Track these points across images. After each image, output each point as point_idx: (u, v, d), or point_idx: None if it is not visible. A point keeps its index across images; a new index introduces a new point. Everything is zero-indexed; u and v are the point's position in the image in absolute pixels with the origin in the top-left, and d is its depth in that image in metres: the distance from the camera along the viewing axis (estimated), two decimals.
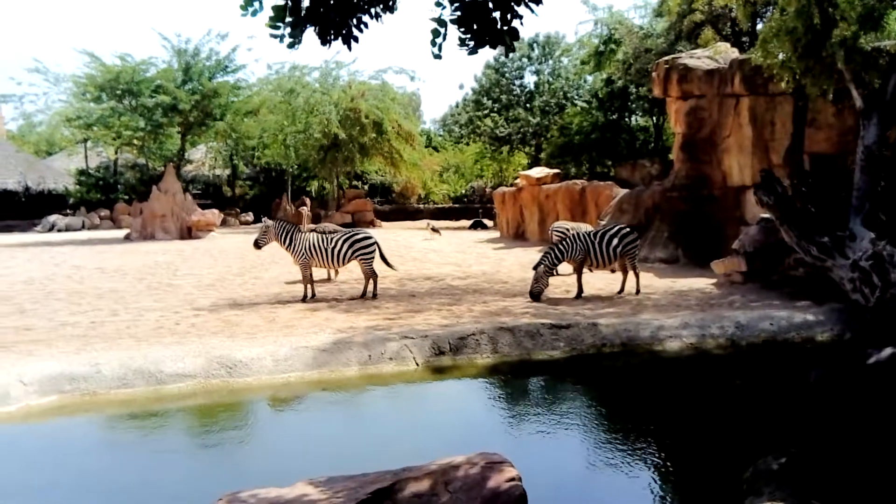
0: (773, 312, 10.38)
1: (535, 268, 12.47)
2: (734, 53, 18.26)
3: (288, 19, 4.80)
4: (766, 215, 13.04)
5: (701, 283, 13.79)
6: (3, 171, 44.52)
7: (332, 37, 4.89)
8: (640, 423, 6.97)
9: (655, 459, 5.89)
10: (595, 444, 6.28)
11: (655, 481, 5.49)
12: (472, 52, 4.73)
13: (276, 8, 4.70)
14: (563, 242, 12.79)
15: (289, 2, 4.70)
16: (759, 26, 20.65)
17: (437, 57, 4.76)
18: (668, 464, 5.82)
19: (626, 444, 6.22)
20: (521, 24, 4.83)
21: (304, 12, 4.78)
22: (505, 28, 4.70)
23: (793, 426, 6.65)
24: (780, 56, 12.26)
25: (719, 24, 22.39)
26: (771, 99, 16.23)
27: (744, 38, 22.29)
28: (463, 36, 4.69)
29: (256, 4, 4.59)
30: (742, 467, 4.89)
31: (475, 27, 4.67)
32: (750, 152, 16.61)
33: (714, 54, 17.95)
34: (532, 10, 4.82)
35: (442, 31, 4.67)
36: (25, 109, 37.31)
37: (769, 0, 16.92)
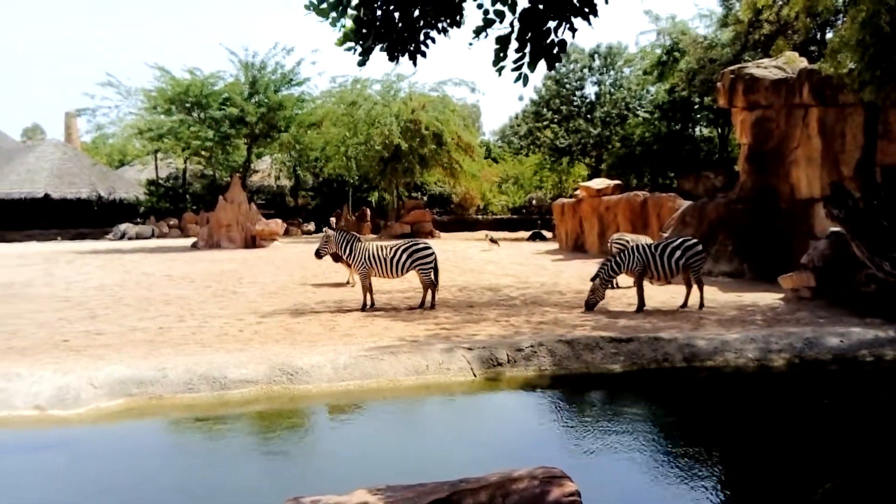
0: (842, 329, 10.02)
1: (592, 279, 12.37)
2: (802, 63, 17.79)
3: (359, 41, 4.89)
4: (836, 229, 12.65)
5: (767, 299, 13.42)
6: (78, 181, 46.35)
7: (400, 53, 4.97)
8: (703, 441, 6.81)
9: (718, 479, 5.75)
10: (655, 462, 6.17)
11: (718, 502, 5.36)
12: (531, 69, 4.73)
13: (346, 29, 4.79)
14: (622, 254, 12.63)
15: (363, 24, 4.76)
16: (829, 35, 20.08)
17: (500, 73, 4.78)
18: (733, 484, 5.68)
19: (687, 463, 6.09)
20: (573, 37, 4.82)
21: (374, 32, 4.86)
22: (555, 40, 4.69)
23: (864, 448, 6.41)
24: (850, 66, 11.91)
25: (787, 34, 21.84)
26: (841, 110, 15.74)
27: (812, 48, 21.71)
28: (517, 55, 4.69)
29: (342, 20, 4.70)
30: (811, 489, 4.74)
31: (529, 45, 4.67)
32: (819, 164, 16.13)
33: (782, 64, 17.52)
34: (588, 23, 4.81)
35: (504, 49, 4.70)
36: (99, 122, 38.51)
37: (838, 9, 16.45)
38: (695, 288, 12.66)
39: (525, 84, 4.82)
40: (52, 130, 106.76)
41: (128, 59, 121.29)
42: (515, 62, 4.70)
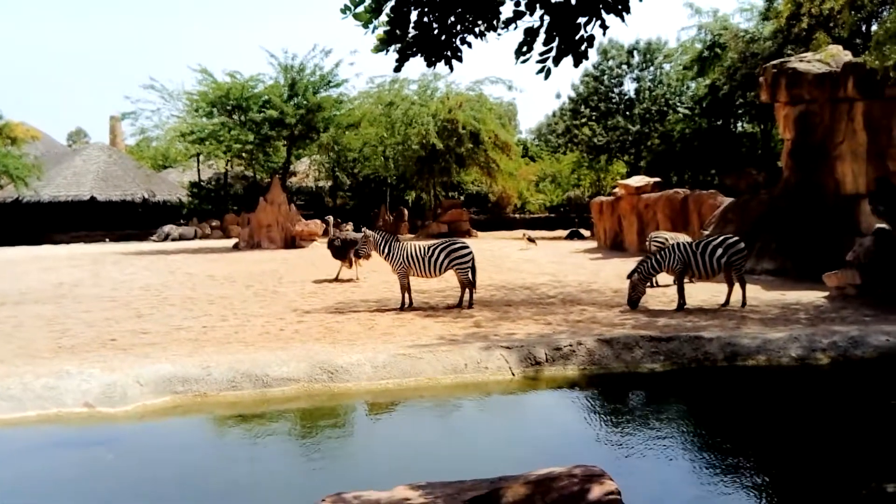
0: (888, 327, 9.79)
1: (629, 276, 12.27)
2: (847, 56, 17.42)
3: (395, 47, 4.92)
4: (882, 225, 12.39)
5: (811, 297, 13.18)
6: (123, 184, 47.37)
7: (437, 59, 4.99)
8: (746, 440, 6.73)
9: (761, 479, 5.68)
10: (697, 462, 6.12)
11: (762, 502, 5.30)
12: (555, 63, 4.71)
13: (385, 32, 4.83)
14: (661, 252, 12.50)
15: (397, 29, 4.78)
16: (874, 27, 19.61)
17: (522, 61, 4.76)
18: (777, 484, 5.60)
19: (728, 463, 6.03)
20: (605, 33, 4.79)
21: (409, 37, 4.89)
22: (584, 35, 4.66)
23: None
24: None
25: (830, 26, 21.40)
26: (887, 103, 15.40)
27: (857, 41, 21.23)
28: (544, 48, 4.67)
29: (375, 21, 4.74)
30: (856, 490, 4.66)
31: (556, 39, 4.65)
32: (864, 159, 15.78)
33: (825, 57, 17.18)
34: (622, 19, 4.78)
35: (531, 42, 4.68)
36: (142, 125, 39.31)
37: (883, 0, 16.07)
38: (737, 286, 12.48)
39: (547, 77, 4.81)
40: (97, 134, 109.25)
41: (170, 62, 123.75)
42: (541, 55, 4.69)
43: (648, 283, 12.90)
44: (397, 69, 4.98)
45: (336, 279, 17.66)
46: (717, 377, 8.71)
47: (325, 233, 38.98)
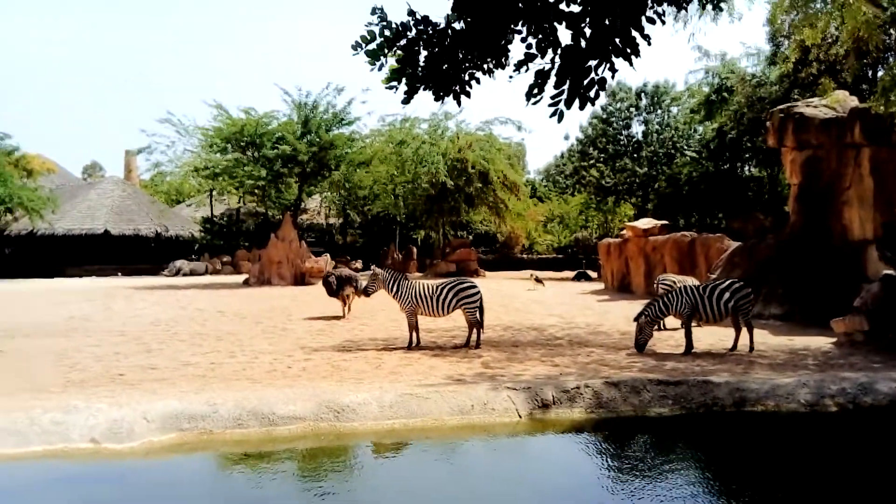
0: None
1: (636, 319, 12.27)
2: (853, 102, 17.59)
3: (404, 80, 5.04)
4: (890, 272, 12.38)
5: (819, 342, 13.13)
6: (137, 218, 47.82)
7: (445, 94, 5.11)
8: (754, 489, 6.68)
9: None
10: None
11: None
12: (567, 106, 4.81)
13: (392, 69, 4.96)
14: (669, 296, 12.51)
15: (407, 64, 4.90)
16: (880, 73, 19.82)
17: (533, 103, 4.86)
18: None
19: None
20: (613, 77, 4.90)
21: (420, 71, 5.02)
22: (595, 78, 4.77)
23: None
24: None
25: (837, 71, 21.64)
26: (894, 149, 15.49)
27: (863, 86, 21.43)
28: (556, 90, 4.78)
29: (383, 59, 4.87)
30: None
31: (568, 82, 4.75)
32: (871, 205, 15.84)
33: (832, 103, 17.34)
34: (630, 63, 4.89)
35: (542, 84, 4.79)
36: (157, 159, 39.83)
37: (888, 46, 16.28)
38: (744, 331, 12.46)
39: (560, 120, 4.90)
40: (112, 167, 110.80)
41: (185, 96, 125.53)
42: (553, 97, 4.78)
43: (656, 327, 12.89)
44: (405, 101, 5.08)
45: (343, 316, 17.82)
46: (725, 422, 8.66)
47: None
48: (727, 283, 12.69)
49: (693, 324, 12.57)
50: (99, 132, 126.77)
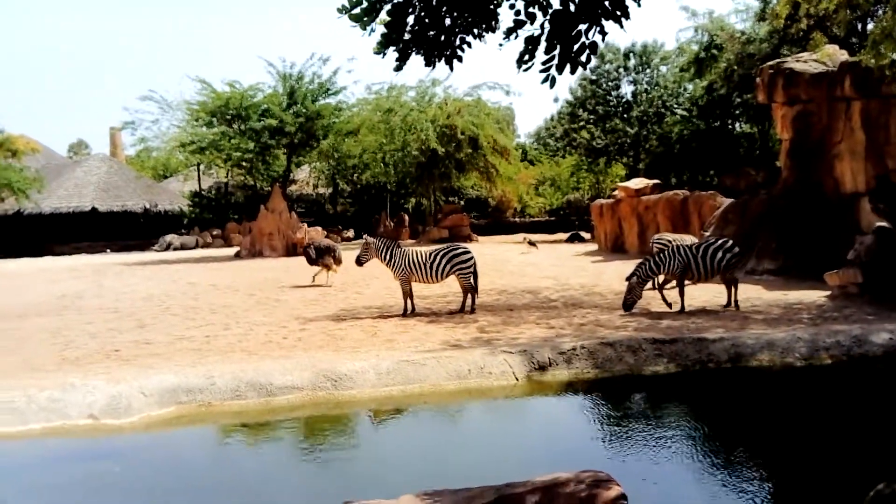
0: (891, 326, 9.79)
1: (628, 278, 12.27)
2: (843, 56, 17.46)
3: (393, 46, 4.92)
4: (883, 223, 12.40)
5: (813, 296, 13.19)
6: (124, 195, 47.44)
7: (437, 59, 5.01)
8: (749, 442, 6.74)
9: (765, 482, 5.68)
10: (702, 464, 6.12)
11: None
12: (559, 71, 4.73)
13: (384, 35, 4.84)
14: (661, 254, 12.52)
15: (395, 30, 4.79)
16: (870, 26, 19.67)
17: (524, 70, 4.78)
18: (780, 488, 5.61)
19: (733, 465, 6.04)
20: (603, 40, 4.81)
21: (408, 36, 4.91)
22: (586, 42, 4.68)
23: None
24: (893, 57, 11.66)
25: (826, 26, 21.45)
26: (885, 101, 15.43)
27: (853, 40, 21.28)
28: (546, 56, 4.70)
29: (372, 25, 4.76)
30: (862, 492, 4.66)
31: (559, 47, 4.66)
32: (863, 157, 15.81)
33: (822, 57, 17.20)
34: (620, 25, 4.80)
35: (533, 50, 4.70)
36: (142, 135, 39.47)
37: None
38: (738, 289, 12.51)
39: (552, 86, 4.83)
40: (98, 145, 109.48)
41: (169, 71, 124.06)
42: (544, 64, 4.70)
43: (651, 285, 12.91)
44: (398, 68, 4.98)
45: (323, 284, 18.26)
46: (721, 378, 8.72)
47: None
48: (719, 241, 12.71)
49: (687, 282, 12.59)
50: (84, 110, 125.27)
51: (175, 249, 40.43)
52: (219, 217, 45.92)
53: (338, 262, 18.75)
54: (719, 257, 12.27)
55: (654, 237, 17.08)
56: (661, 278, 13.09)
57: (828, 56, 17.27)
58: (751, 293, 13.73)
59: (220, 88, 37.80)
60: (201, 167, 46.57)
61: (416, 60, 4.98)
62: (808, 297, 13.10)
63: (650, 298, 13.07)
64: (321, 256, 18.51)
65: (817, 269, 13.95)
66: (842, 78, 16.22)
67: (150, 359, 9.57)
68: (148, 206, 47.36)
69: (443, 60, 5.01)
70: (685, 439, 6.82)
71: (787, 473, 5.92)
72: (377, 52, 4.88)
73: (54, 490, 6.06)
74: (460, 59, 5.01)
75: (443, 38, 4.92)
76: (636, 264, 12.62)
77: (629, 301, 12.17)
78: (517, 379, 8.59)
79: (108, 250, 42.64)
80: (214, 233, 43.88)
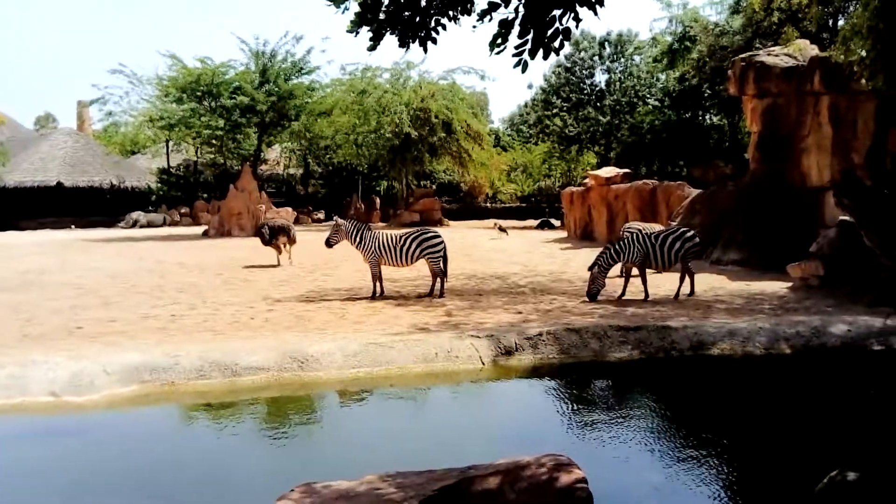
0: (850, 318, 10.03)
1: (590, 268, 12.37)
2: (814, 51, 17.70)
3: (367, 25, 4.89)
4: (847, 218, 12.63)
5: (776, 287, 13.43)
6: (91, 170, 46.62)
7: (411, 39, 4.98)
8: (710, 429, 6.87)
9: (723, 468, 5.81)
10: (662, 451, 6.23)
11: (723, 491, 5.42)
12: (531, 56, 4.74)
13: (357, 14, 4.81)
14: (620, 243, 12.62)
15: (369, 9, 4.76)
16: (841, 22, 19.95)
17: (496, 53, 4.78)
18: (737, 473, 5.74)
19: (693, 451, 6.15)
20: (577, 26, 4.83)
21: (383, 16, 4.88)
22: (559, 28, 4.69)
23: (869, 437, 6.46)
24: (861, 53, 11.85)
25: (799, 20, 21.72)
26: (852, 97, 15.68)
27: (824, 35, 21.56)
28: (520, 41, 4.70)
29: (347, 3, 4.71)
30: (816, 480, 4.79)
31: (532, 32, 4.67)
32: (830, 152, 16.08)
33: (793, 51, 17.43)
34: (595, 13, 4.82)
35: (506, 34, 4.70)
36: (110, 110, 38.76)
37: None
38: (687, 278, 12.68)
39: (524, 70, 4.83)
40: (65, 119, 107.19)
41: (141, 46, 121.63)
42: (517, 48, 4.71)
43: (606, 274, 12.97)
44: (371, 48, 4.94)
45: (278, 265, 18.32)
46: (683, 366, 8.86)
47: (297, 221, 38.85)
48: (678, 231, 12.87)
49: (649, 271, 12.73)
50: (52, 83, 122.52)
51: (142, 227, 39.88)
52: (187, 195, 45.33)
53: (292, 241, 18.79)
54: (677, 247, 12.43)
55: (625, 226, 17.24)
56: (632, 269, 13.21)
57: (799, 50, 17.50)
58: (715, 283, 13.96)
59: (192, 65, 37.26)
60: (170, 144, 45.91)
61: (389, 41, 4.95)
62: (770, 288, 13.34)
63: (618, 286, 13.19)
64: (275, 237, 18.56)
65: (781, 261, 14.20)
66: (812, 73, 16.45)
67: (115, 336, 9.46)
68: (115, 183, 46.60)
69: (417, 41, 4.99)
70: (647, 424, 6.94)
71: (745, 458, 6.05)
72: (350, 31, 4.85)
73: (12, 466, 5.98)
74: (434, 40, 5.00)
75: (417, 18, 4.90)
76: (598, 253, 12.70)
77: (593, 291, 12.28)
78: (483, 363, 8.64)
79: (74, 226, 41.91)
80: (182, 211, 43.34)
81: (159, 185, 47.14)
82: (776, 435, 6.69)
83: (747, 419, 7.22)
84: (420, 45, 5.00)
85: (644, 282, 12.52)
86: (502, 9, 4.67)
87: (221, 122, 36.15)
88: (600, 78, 42.83)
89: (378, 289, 13.06)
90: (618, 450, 6.28)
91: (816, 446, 6.29)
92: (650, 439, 6.49)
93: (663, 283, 13.73)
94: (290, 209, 34.02)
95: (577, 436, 6.67)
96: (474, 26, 4.92)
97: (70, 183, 44.76)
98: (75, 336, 9.56)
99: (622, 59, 42.17)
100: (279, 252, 18.66)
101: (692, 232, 12.93)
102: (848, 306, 11.16)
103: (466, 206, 50.17)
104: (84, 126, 56.56)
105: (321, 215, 45.06)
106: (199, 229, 34.30)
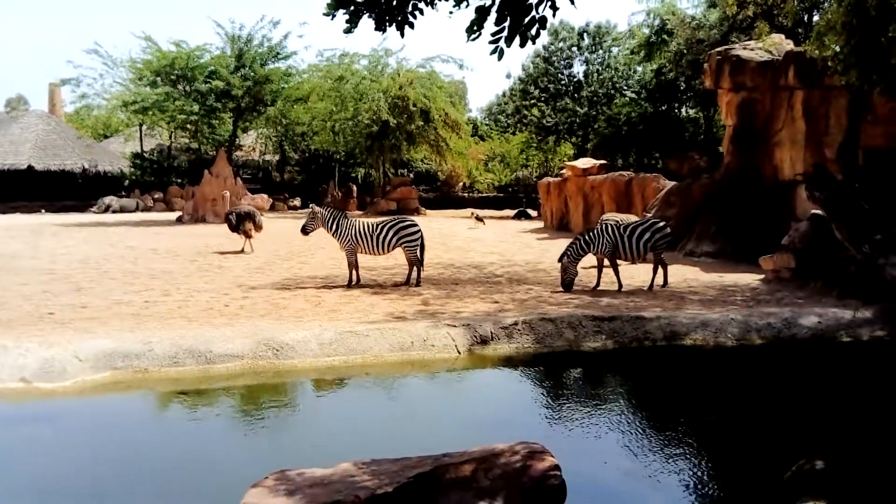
0: (820, 310, 10.20)
1: (560, 259, 12.44)
2: (789, 45, 17.89)
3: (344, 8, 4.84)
4: (818, 211, 12.81)
5: (748, 279, 13.61)
6: (63, 153, 45.86)
7: (388, 23, 4.95)
8: (682, 419, 6.96)
9: (695, 456, 5.89)
10: (635, 439, 6.31)
11: (694, 478, 5.50)
12: (507, 44, 4.73)
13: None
14: (590, 233, 12.66)
15: None
16: (816, 17, 20.16)
17: (472, 39, 4.76)
18: (708, 461, 5.82)
19: (666, 440, 6.24)
20: (554, 15, 4.83)
21: (360, 1, 4.83)
22: (536, 16, 4.69)
23: (837, 427, 6.58)
24: (835, 48, 12.00)
25: (774, 15, 21.90)
26: (826, 92, 15.87)
27: (799, 31, 21.79)
28: (496, 28, 4.69)
29: None
30: (784, 468, 4.87)
31: (509, 20, 4.66)
32: (802, 146, 16.29)
33: (768, 46, 17.59)
34: (572, 2, 4.83)
35: (482, 21, 4.68)
36: (83, 92, 38.14)
37: None
38: (660, 270, 12.80)
39: (500, 58, 4.83)
40: (36, 101, 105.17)
41: (114, 29, 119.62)
42: (493, 35, 4.70)
43: (577, 263, 12.99)
44: (348, 31, 4.90)
45: (243, 251, 18.40)
46: (656, 356, 8.96)
47: (272, 208, 38.56)
48: (648, 222, 12.96)
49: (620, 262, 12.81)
50: (24, 64, 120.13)
51: (114, 212, 39.31)
52: (161, 180, 44.73)
53: (258, 228, 18.70)
54: (647, 238, 12.51)
55: (602, 217, 17.34)
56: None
57: (774, 45, 17.67)
58: (688, 274, 14.11)
59: (166, 47, 36.76)
60: (144, 128, 45.28)
61: (366, 24, 4.91)
62: (743, 280, 13.51)
63: (593, 277, 13.27)
64: (241, 223, 18.51)
65: (754, 254, 14.38)
66: (786, 67, 16.62)
67: (86, 323, 9.35)
68: (87, 167, 45.88)
69: (394, 25, 4.96)
70: (620, 413, 7.02)
71: (716, 447, 6.14)
72: (327, 14, 4.81)
73: None
74: (412, 24, 4.97)
75: (395, 1, 4.87)
76: (568, 244, 12.73)
77: (566, 281, 12.35)
78: (459, 352, 8.67)
79: (44, 210, 41.23)
80: (156, 196, 42.77)
81: (132, 169, 46.47)
82: (747, 424, 6.80)
83: (718, 409, 7.33)
84: (397, 29, 4.97)
85: (616, 273, 12.61)
86: None
87: (196, 107, 35.74)
88: (578, 69, 42.94)
89: (354, 277, 13.03)
90: (591, 437, 6.35)
91: (786, 435, 6.41)
92: (623, 427, 6.56)
93: (637, 275, 13.85)
94: (265, 196, 33.79)
95: (550, 424, 6.72)
96: (451, 12, 4.91)
97: (41, 166, 44.00)
98: (46, 322, 9.44)
99: (600, 51, 42.28)
100: (248, 238, 18.62)
101: (663, 223, 13.01)
102: (818, 298, 11.34)
103: (444, 195, 50.09)
104: (56, 108, 55.58)
105: (297, 202, 44.75)
106: (173, 215, 33.93)
